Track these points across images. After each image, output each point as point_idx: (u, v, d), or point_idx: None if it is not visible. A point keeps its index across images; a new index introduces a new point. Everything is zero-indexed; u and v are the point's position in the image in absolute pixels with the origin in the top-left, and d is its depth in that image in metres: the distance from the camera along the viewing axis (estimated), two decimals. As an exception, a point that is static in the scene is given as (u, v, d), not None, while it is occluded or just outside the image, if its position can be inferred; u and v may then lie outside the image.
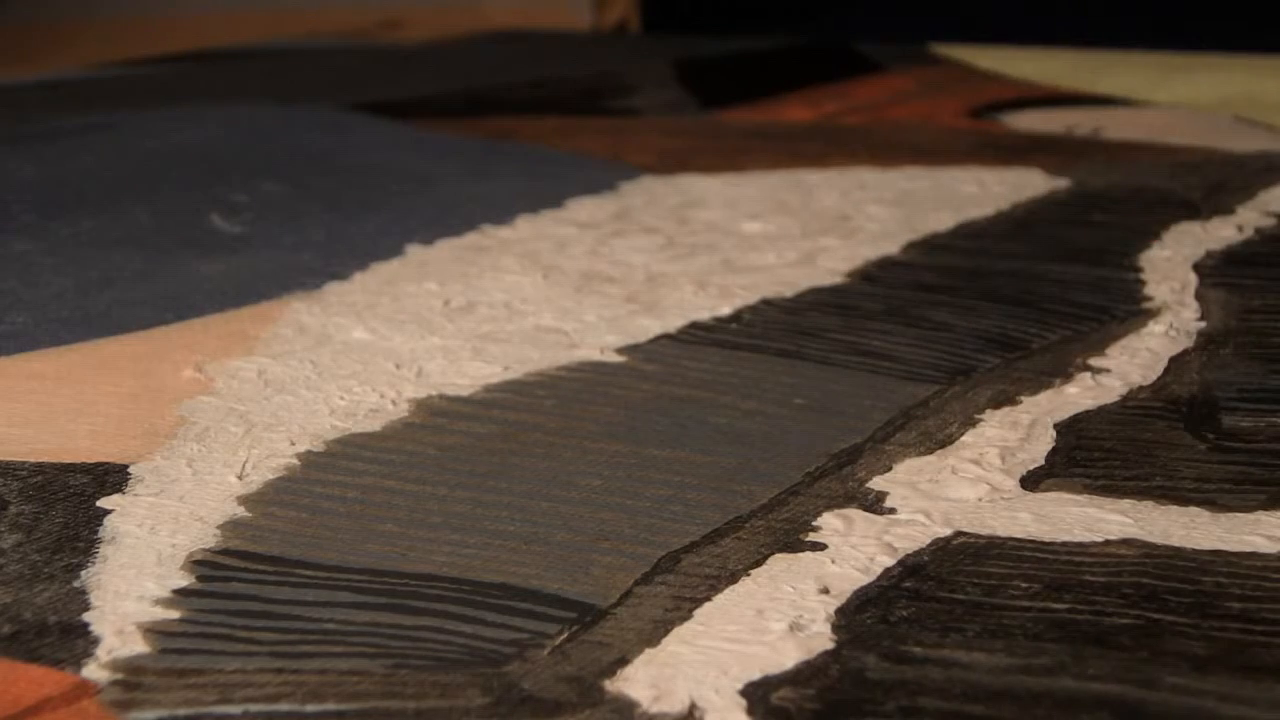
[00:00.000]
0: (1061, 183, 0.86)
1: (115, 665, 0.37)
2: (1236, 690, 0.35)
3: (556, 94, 1.27)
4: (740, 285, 0.67)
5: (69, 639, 0.38)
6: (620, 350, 0.59)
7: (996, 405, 0.53)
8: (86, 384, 0.56)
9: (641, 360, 0.58)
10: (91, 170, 0.94)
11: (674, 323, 0.62)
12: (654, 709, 0.35)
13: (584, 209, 0.82)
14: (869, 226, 0.77)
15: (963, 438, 0.50)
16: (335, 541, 0.44)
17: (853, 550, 0.42)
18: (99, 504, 0.46)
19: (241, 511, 0.45)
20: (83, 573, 0.42)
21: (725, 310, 0.64)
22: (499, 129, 1.08)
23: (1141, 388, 0.54)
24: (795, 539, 0.43)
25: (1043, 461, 0.48)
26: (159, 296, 0.67)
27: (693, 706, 0.35)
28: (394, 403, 0.54)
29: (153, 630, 0.39)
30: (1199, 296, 0.64)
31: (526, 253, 0.73)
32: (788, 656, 0.37)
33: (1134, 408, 0.52)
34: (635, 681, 0.36)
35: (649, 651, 0.37)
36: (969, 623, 0.38)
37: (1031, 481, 0.47)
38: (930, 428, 0.51)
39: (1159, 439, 0.49)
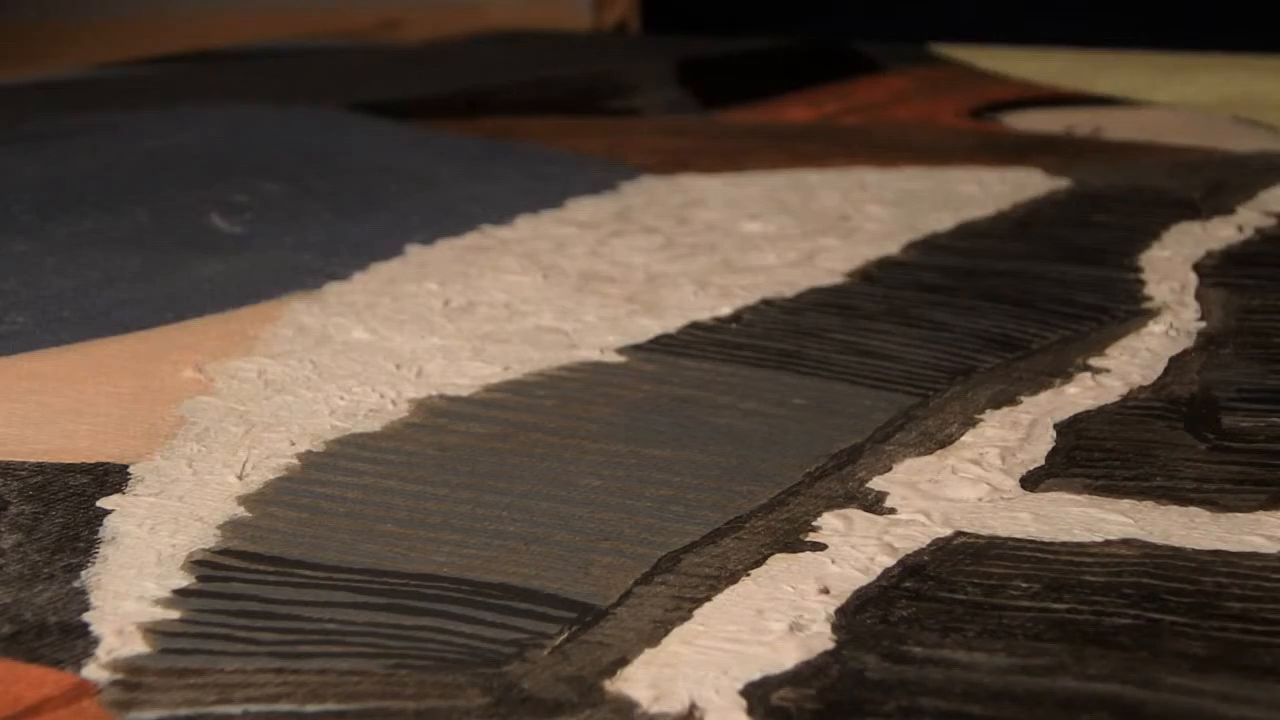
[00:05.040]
0: (1061, 183, 0.86)
1: (115, 665, 0.37)
2: (1237, 690, 0.35)
3: (556, 94, 1.27)
4: (740, 285, 0.67)
5: (69, 639, 0.38)
6: (620, 350, 0.59)
7: (996, 405, 0.53)
8: (86, 384, 0.56)
9: (641, 360, 0.58)
10: (91, 170, 0.94)
11: (674, 323, 0.62)
12: (654, 709, 0.35)
13: (584, 209, 0.82)
14: (869, 226, 0.77)
15: (963, 438, 0.50)
16: (335, 541, 0.44)
17: (853, 550, 0.42)
18: (99, 504, 0.46)
19: (241, 511, 0.45)
20: (83, 573, 0.42)
21: (725, 310, 0.64)
22: (499, 129, 1.08)
23: (1142, 388, 0.54)
24: (795, 539, 0.43)
25: (1043, 461, 0.48)
26: (159, 296, 0.67)
27: (693, 706, 0.35)
28: (394, 403, 0.54)
29: (153, 630, 0.39)
30: (1199, 296, 0.64)
31: (526, 253, 0.73)
32: (788, 656, 0.37)
33: (1134, 408, 0.52)
34: (635, 681, 0.36)
35: (649, 651, 0.37)
36: (969, 623, 0.38)
37: (1031, 481, 0.47)
38: (930, 428, 0.51)
39: (1159, 439, 0.49)
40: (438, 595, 0.40)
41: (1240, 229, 0.75)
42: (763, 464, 0.48)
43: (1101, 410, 0.52)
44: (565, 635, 0.38)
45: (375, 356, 0.59)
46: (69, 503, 0.46)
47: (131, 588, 0.41)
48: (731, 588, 0.40)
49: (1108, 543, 0.42)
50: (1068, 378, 0.55)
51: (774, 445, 0.50)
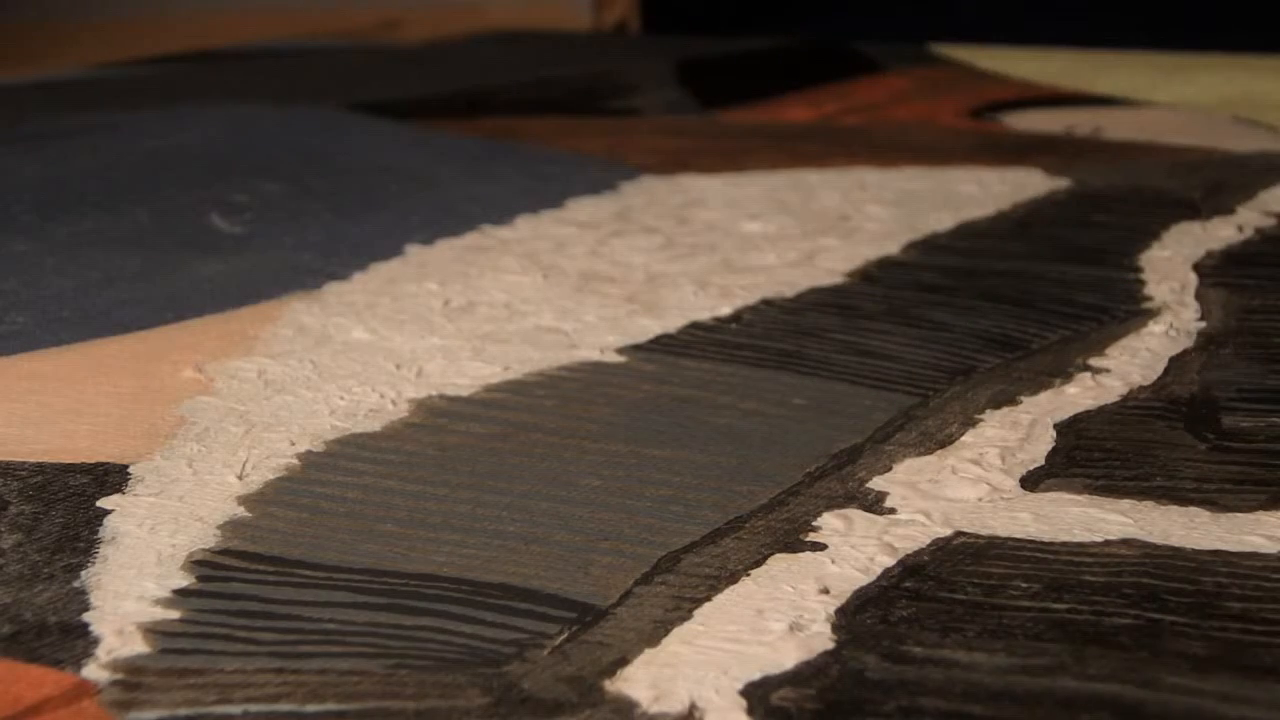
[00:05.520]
0: (1061, 183, 0.86)
1: (115, 665, 0.37)
2: (1236, 690, 0.35)
3: (556, 94, 1.27)
4: (740, 285, 0.67)
5: (69, 639, 0.38)
6: (620, 350, 0.59)
7: (996, 405, 0.53)
8: (86, 384, 0.56)
9: (641, 360, 0.58)
10: (91, 170, 0.94)
11: (674, 323, 0.62)
12: (654, 709, 0.35)
13: (584, 209, 0.82)
14: (869, 226, 0.77)
15: (963, 438, 0.50)
16: (335, 541, 0.44)
17: (853, 550, 0.42)
18: (99, 504, 0.46)
19: (241, 511, 0.45)
20: (83, 573, 0.42)
21: (725, 310, 0.64)
22: (499, 129, 1.08)
23: (1142, 388, 0.54)
24: (795, 539, 0.43)
25: (1043, 461, 0.48)
26: (159, 296, 0.67)
27: (693, 706, 0.35)
28: (394, 403, 0.54)
29: (153, 630, 0.39)
30: (1199, 296, 0.64)
31: (526, 253, 0.73)
32: (788, 656, 0.37)
33: (1134, 408, 0.52)
34: (635, 681, 0.36)
35: (649, 651, 0.37)
36: (969, 623, 0.38)
37: (1031, 481, 0.47)
38: (930, 428, 0.51)
39: (1159, 439, 0.49)
40: (438, 595, 0.40)
41: (1240, 229, 0.75)
42: (763, 464, 0.48)
43: (1101, 410, 0.52)
44: (565, 635, 0.38)
45: (375, 356, 0.59)
46: (69, 503, 0.46)
47: (131, 588, 0.41)
48: (731, 588, 0.40)
49: (1108, 543, 0.42)
50: (1068, 378, 0.55)
51: (774, 445, 0.50)
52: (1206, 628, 0.38)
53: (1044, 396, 0.53)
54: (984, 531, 0.43)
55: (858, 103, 1.19)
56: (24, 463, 0.49)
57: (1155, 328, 0.60)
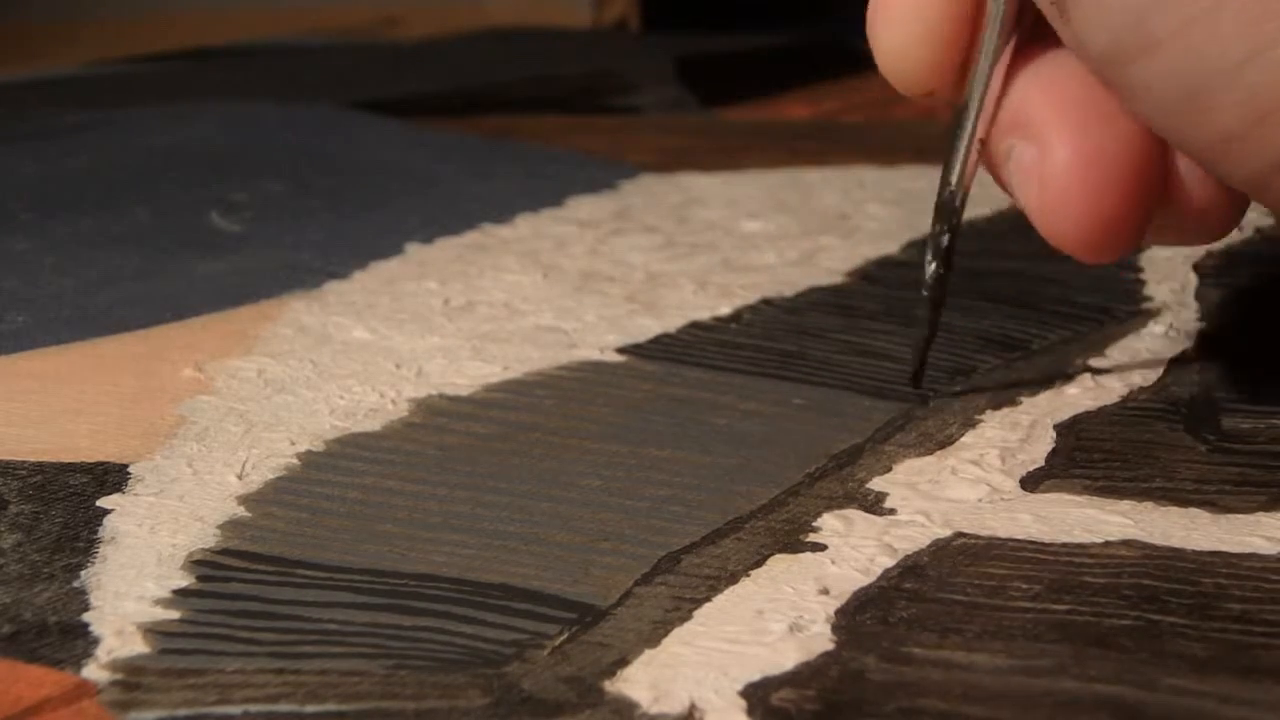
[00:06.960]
0: (1061, 182, 0.85)
1: (115, 665, 0.37)
2: (1236, 691, 0.35)
3: (556, 92, 1.27)
4: (740, 285, 0.67)
5: (69, 639, 0.38)
6: (620, 350, 0.59)
7: (996, 406, 0.53)
8: (86, 384, 0.56)
9: (641, 360, 0.58)
10: (91, 169, 0.94)
11: (674, 323, 0.62)
12: (654, 709, 0.35)
13: (584, 208, 0.82)
14: (869, 226, 0.77)
15: (963, 438, 0.50)
16: (335, 541, 0.44)
17: (853, 551, 0.42)
18: (99, 504, 0.46)
19: (241, 511, 0.45)
20: (82, 573, 0.42)
21: (725, 310, 0.64)
22: (499, 127, 1.08)
23: (1142, 389, 0.54)
24: (795, 540, 0.43)
25: (1043, 462, 0.48)
26: (159, 296, 0.67)
27: (693, 707, 0.35)
28: (394, 402, 0.54)
29: (153, 630, 0.39)
30: (1199, 297, 0.64)
31: (526, 252, 0.73)
32: (788, 657, 0.37)
33: (1134, 409, 0.52)
34: (635, 682, 0.36)
35: (649, 652, 0.37)
36: (969, 624, 0.38)
37: (1031, 482, 0.47)
38: (930, 428, 0.51)
39: (1159, 440, 0.49)
40: (438, 595, 0.40)
41: (1240, 229, 0.75)
42: (763, 464, 0.48)
43: (1101, 411, 0.52)
44: (565, 636, 0.38)
45: (375, 356, 0.59)
46: (69, 502, 0.46)
47: (132, 588, 0.41)
48: (731, 588, 0.40)
49: (1108, 544, 0.42)
50: (1068, 378, 0.55)
51: (774, 446, 0.50)
52: (1207, 629, 0.38)
53: (1044, 397, 0.53)
54: (984, 532, 0.43)
55: (858, 100, 1.19)
56: (23, 462, 0.49)
57: (1155, 328, 0.60)
